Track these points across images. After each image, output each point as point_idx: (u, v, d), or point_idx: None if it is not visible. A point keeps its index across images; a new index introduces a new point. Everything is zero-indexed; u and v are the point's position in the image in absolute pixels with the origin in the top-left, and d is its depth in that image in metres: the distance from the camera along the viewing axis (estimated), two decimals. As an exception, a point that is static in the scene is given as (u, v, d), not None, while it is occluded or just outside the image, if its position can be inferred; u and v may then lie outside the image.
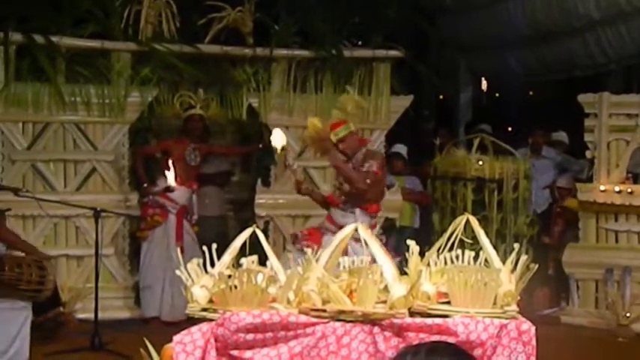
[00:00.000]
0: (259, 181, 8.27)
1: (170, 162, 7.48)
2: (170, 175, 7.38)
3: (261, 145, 8.13)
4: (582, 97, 8.00)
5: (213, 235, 7.68)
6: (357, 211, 6.29)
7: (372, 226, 6.30)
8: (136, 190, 7.85)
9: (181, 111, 7.92)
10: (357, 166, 6.28)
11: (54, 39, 7.54)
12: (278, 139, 5.78)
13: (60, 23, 7.66)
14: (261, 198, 8.17)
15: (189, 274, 3.38)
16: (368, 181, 6.20)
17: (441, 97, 12.61)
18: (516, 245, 3.50)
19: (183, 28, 7.99)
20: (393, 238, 8.23)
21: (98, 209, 6.70)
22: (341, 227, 5.89)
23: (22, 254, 6.41)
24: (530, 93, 12.90)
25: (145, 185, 7.59)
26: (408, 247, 3.56)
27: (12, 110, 7.58)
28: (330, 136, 6.23)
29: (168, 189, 7.45)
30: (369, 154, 6.42)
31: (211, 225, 8.14)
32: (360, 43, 8.70)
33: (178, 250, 3.77)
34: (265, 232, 7.63)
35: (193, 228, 7.73)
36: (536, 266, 3.31)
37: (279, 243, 7.95)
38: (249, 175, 8.69)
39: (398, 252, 5.47)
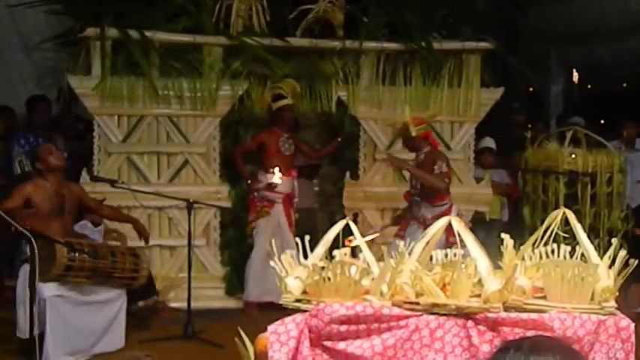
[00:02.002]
0: (347, 173, 8.28)
1: (275, 166, 7.62)
2: (277, 173, 7.49)
3: (339, 139, 8.11)
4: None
5: (302, 227, 7.78)
6: (424, 204, 6.88)
7: (444, 213, 6.62)
8: (228, 183, 7.97)
9: (270, 102, 7.87)
10: (422, 163, 6.86)
11: (148, 34, 7.68)
12: None
13: (154, 18, 7.80)
14: (350, 191, 8.19)
15: (283, 265, 3.42)
16: (446, 180, 6.85)
17: (531, 89, 12.40)
18: (614, 240, 3.43)
19: (273, 21, 8.05)
20: (482, 231, 8.14)
21: (191, 201, 6.81)
22: (418, 218, 6.82)
23: (117, 243, 6.58)
24: (624, 85, 12.57)
25: (249, 182, 7.73)
26: (500, 240, 3.54)
27: (108, 104, 7.75)
28: (411, 129, 6.82)
29: (271, 186, 7.57)
30: (434, 154, 6.91)
31: (301, 217, 8.21)
32: (446, 33, 8.59)
33: (273, 241, 3.80)
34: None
35: (294, 215, 7.89)
36: (636, 262, 3.24)
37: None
38: (335, 168, 8.71)
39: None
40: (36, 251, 5.01)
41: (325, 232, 3.53)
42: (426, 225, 6.51)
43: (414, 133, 6.82)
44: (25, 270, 5.84)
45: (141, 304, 7.05)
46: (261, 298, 7.54)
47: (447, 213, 6.72)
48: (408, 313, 3.18)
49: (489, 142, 8.85)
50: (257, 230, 7.76)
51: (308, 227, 7.85)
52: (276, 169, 7.48)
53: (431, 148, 6.97)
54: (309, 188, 8.62)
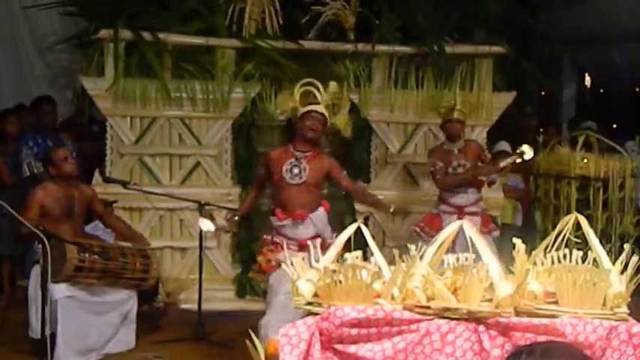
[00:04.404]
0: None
1: (278, 200, 5.87)
2: (203, 220, 6.20)
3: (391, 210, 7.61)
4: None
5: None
6: (470, 189, 6.96)
7: (480, 198, 7.07)
8: (240, 185, 7.98)
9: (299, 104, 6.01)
10: (463, 151, 6.99)
11: (161, 36, 7.69)
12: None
13: (167, 21, 7.82)
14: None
15: (294, 268, 3.43)
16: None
17: (543, 93, 12.38)
18: (626, 246, 3.43)
19: (286, 24, 8.06)
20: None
21: (202, 202, 6.83)
22: (457, 207, 6.86)
23: (128, 244, 6.59)
24: (636, 89, 12.53)
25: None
26: (513, 245, 3.53)
27: (120, 105, 7.77)
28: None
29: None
30: (474, 143, 7.29)
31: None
32: (458, 37, 8.58)
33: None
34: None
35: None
36: None
37: (379, 239, 7.95)
38: (346, 171, 8.68)
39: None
40: (48, 252, 5.03)
41: (336, 235, 3.54)
42: (465, 213, 6.81)
43: (456, 115, 6.92)
44: (36, 271, 5.88)
45: (153, 303, 7.07)
46: None
47: (481, 199, 7.12)
48: (419, 317, 3.18)
49: (505, 146, 8.82)
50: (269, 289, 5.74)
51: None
52: (201, 220, 6.14)
53: (466, 139, 7.21)
54: None
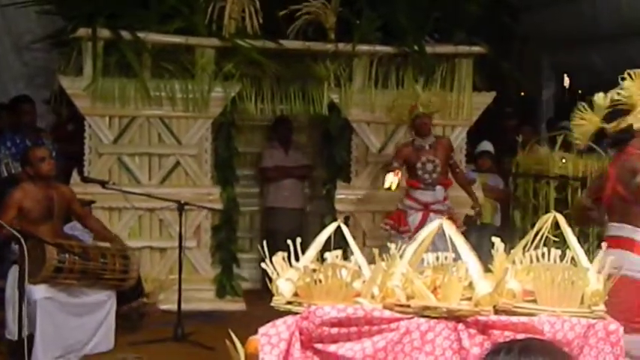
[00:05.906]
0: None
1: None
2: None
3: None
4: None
5: (290, 228, 7.76)
6: (438, 187, 7.16)
7: (446, 198, 7.23)
8: (220, 185, 7.97)
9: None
10: (434, 147, 7.18)
11: (140, 35, 7.65)
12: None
13: (146, 19, 7.77)
14: (342, 194, 8.19)
15: (274, 267, 3.42)
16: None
17: (522, 93, 12.44)
18: (603, 245, 3.45)
19: (266, 23, 8.04)
20: (474, 235, 8.14)
21: (182, 202, 6.80)
22: (423, 203, 7.01)
23: (107, 245, 6.55)
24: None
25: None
26: (492, 244, 3.55)
27: (99, 105, 7.71)
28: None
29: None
30: (445, 141, 7.54)
31: (289, 217, 8.24)
32: (439, 37, 8.60)
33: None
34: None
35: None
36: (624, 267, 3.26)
37: (359, 238, 7.95)
38: (326, 171, 8.70)
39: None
40: (25, 252, 4.99)
41: (316, 234, 3.54)
42: (430, 210, 7.04)
43: (421, 109, 7.15)
44: (14, 271, 5.82)
45: (134, 304, 7.03)
46: None
47: (447, 197, 7.29)
48: (399, 315, 3.18)
49: (487, 146, 8.85)
50: None
51: (296, 228, 7.88)
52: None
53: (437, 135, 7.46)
54: (298, 189, 8.63)
